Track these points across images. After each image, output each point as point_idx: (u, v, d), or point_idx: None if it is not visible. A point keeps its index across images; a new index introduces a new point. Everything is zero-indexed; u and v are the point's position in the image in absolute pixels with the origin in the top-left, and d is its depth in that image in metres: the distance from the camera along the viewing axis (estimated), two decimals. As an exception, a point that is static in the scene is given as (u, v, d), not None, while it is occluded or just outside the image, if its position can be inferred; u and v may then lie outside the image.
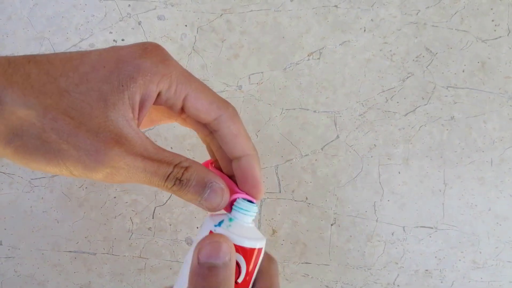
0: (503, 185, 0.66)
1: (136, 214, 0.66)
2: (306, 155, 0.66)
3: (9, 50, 0.66)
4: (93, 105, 0.22)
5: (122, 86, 0.23)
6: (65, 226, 0.66)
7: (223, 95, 0.68)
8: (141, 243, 0.66)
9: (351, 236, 0.66)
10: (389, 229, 0.67)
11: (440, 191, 0.66)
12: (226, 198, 0.27)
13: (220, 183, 0.26)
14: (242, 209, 0.27)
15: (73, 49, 0.67)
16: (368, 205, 0.66)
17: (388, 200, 0.66)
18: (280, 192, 0.66)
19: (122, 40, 0.66)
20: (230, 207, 0.28)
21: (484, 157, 0.66)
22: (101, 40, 0.66)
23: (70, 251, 0.66)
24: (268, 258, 0.29)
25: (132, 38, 0.66)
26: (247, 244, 0.26)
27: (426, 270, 0.67)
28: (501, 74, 0.66)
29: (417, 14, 0.66)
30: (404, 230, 0.67)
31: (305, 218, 0.66)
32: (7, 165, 0.68)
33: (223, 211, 0.29)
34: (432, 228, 0.67)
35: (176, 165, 0.25)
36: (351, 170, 0.66)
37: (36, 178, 0.67)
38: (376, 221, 0.67)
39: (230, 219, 0.27)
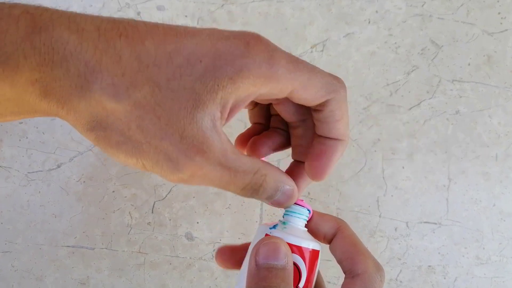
0: (508, 180, 0.66)
1: (135, 208, 0.65)
2: (309, 149, 0.65)
3: (4, 40, 0.65)
4: (181, 105, 0.21)
5: (218, 86, 0.21)
6: (63, 220, 0.65)
7: (224, 88, 0.67)
8: (140, 238, 0.65)
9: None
10: (392, 224, 0.66)
11: (444, 186, 0.66)
12: (295, 197, 0.27)
13: (291, 185, 0.26)
14: (295, 212, 0.27)
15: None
16: (371, 200, 0.65)
17: (392, 195, 0.66)
18: (282, 186, 0.65)
19: (121, 30, 0.65)
20: None
21: (489, 152, 0.65)
22: (99, 31, 0.65)
23: (68, 246, 0.65)
24: None
25: (131, 29, 0.65)
26: (305, 244, 0.26)
27: (429, 266, 0.66)
28: (507, 68, 0.65)
29: (422, 6, 0.64)
30: (407, 226, 0.66)
31: (307, 213, 0.65)
32: (3, 159, 0.67)
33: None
34: (435, 223, 0.66)
35: (254, 174, 0.24)
36: (354, 164, 0.65)
37: (33, 172, 0.65)
38: (379, 216, 0.66)
39: (284, 223, 0.27)
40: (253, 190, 0.24)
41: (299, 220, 0.28)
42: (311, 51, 0.65)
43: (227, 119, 0.24)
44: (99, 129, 0.21)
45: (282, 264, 0.24)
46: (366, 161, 0.65)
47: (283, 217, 0.28)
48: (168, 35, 0.21)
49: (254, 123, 0.32)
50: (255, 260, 0.25)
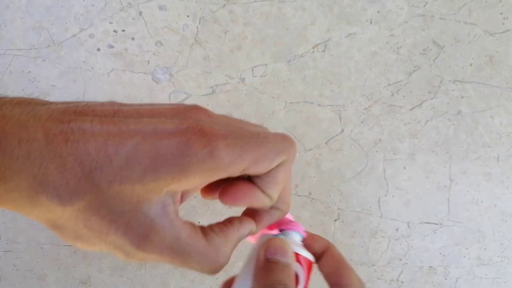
0: (510, 181, 0.65)
1: (136, 208, 0.65)
2: (310, 149, 0.65)
3: (6, 40, 0.65)
4: (125, 203, 0.22)
5: (159, 186, 0.22)
6: (65, 220, 0.65)
7: (226, 88, 0.67)
8: (141, 238, 0.65)
9: (355, 232, 0.66)
10: (394, 225, 0.66)
11: (446, 186, 0.65)
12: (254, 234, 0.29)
13: (247, 230, 0.28)
14: (290, 230, 0.28)
15: (72, 40, 0.65)
16: (372, 200, 0.65)
17: (393, 196, 0.65)
18: (283, 186, 0.65)
19: (123, 30, 0.65)
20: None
21: (491, 153, 0.65)
22: (101, 31, 0.65)
23: (69, 245, 0.65)
24: None
25: (133, 29, 0.65)
26: (304, 253, 0.27)
27: (431, 267, 0.66)
28: (509, 68, 0.65)
29: (424, 6, 0.64)
30: (408, 226, 0.66)
31: (309, 213, 0.65)
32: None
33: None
34: (437, 224, 0.66)
35: (216, 259, 0.25)
36: (356, 164, 0.65)
37: (35, 171, 0.65)
38: (381, 216, 0.66)
39: (284, 234, 0.29)
40: (217, 268, 0.26)
41: (297, 235, 0.29)
42: (313, 51, 0.65)
43: (181, 202, 0.24)
44: (56, 228, 0.23)
45: (289, 262, 0.26)
46: (368, 161, 0.65)
47: (280, 231, 0.29)
48: (110, 136, 0.22)
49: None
50: (265, 254, 0.26)
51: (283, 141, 0.26)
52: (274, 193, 0.27)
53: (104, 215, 0.22)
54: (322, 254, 0.30)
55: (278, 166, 0.26)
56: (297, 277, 0.26)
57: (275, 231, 0.30)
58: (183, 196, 0.25)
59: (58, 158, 0.21)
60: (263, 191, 0.26)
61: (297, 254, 0.27)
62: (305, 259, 0.27)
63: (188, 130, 0.23)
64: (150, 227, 0.23)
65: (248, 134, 0.25)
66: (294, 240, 0.29)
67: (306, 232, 0.31)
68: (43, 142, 0.21)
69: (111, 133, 0.22)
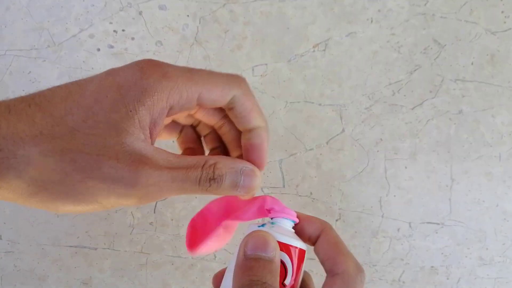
0: (511, 180, 0.65)
1: (137, 208, 0.65)
2: (311, 149, 0.65)
3: (7, 40, 0.65)
4: (106, 136, 0.22)
5: (131, 111, 0.23)
6: (66, 220, 0.65)
7: (226, 88, 0.67)
8: (142, 238, 0.65)
9: (356, 232, 0.65)
10: (395, 225, 0.65)
11: (447, 186, 0.65)
12: (259, 176, 0.27)
13: (249, 165, 0.27)
14: (280, 217, 0.28)
15: (73, 40, 0.65)
16: (373, 200, 0.65)
17: (394, 196, 0.65)
18: (284, 187, 0.65)
19: (123, 30, 0.65)
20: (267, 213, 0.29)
21: (492, 152, 0.65)
22: (101, 31, 0.65)
23: (70, 246, 0.65)
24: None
25: (133, 29, 0.65)
26: (292, 243, 0.26)
27: (432, 267, 0.66)
28: (510, 67, 0.65)
29: (425, 4, 0.64)
30: (410, 226, 0.65)
31: (309, 213, 0.65)
32: (6, 158, 0.67)
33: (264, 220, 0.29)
34: (438, 224, 0.66)
35: (203, 166, 0.25)
36: (357, 164, 0.65)
37: (35, 172, 0.65)
38: (382, 216, 0.65)
39: (272, 223, 0.28)
40: (210, 181, 0.25)
41: (287, 222, 0.28)
42: (313, 51, 0.65)
43: (152, 137, 0.25)
44: (40, 190, 0.22)
45: (270, 257, 0.25)
46: (369, 161, 0.65)
47: (271, 219, 0.29)
48: (70, 88, 0.23)
49: (185, 149, 0.33)
50: (244, 251, 0.25)
51: (232, 76, 0.28)
52: (256, 120, 0.28)
53: (90, 151, 0.22)
54: (318, 237, 0.29)
55: (241, 98, 0.27)
56: (286, 269, 0.25)
57: (264, 221, 0.29)
58: (152, 133, 0.25)
59: (25, 116, 0.22)
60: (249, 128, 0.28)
61: (285, 245, 0.26)
62: (295, 248, 0.25)
63: (140, 62, 0.25)
64: (140, 154, 0.23)
65: (199, 69, 0.27)
66: (284, 228, 0.28)
67: (301, 214, 0.30)
68: (6, 110, 0.22)
69: (70, 87, 0.23)
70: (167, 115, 0.25)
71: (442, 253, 0.66)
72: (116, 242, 0.65)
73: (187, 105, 0.26)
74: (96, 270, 0.65)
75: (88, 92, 0.23)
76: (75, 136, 0.22)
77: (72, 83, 0.24)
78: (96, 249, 0.65)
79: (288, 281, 0.25)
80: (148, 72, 0.24)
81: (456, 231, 0.65)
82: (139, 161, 0.23)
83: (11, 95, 0.66)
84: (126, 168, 0.22)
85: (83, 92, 0.23)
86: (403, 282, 0.66)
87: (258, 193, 0.31)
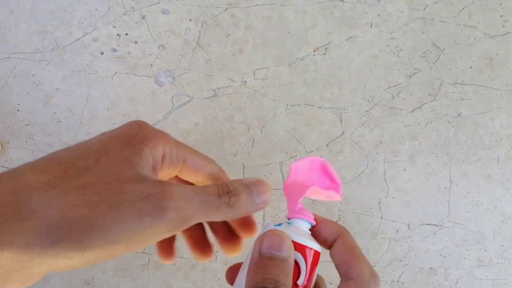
0: (510, 182, 0.66)
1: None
2: (311, 152, 0.66)
3: (12, 43, 0.66)
4: (121, 168, 0.23)
5: (138, 149, 0.24)
6: (69, 221, 0.66)
7: (228, 91, 0.68)
8: (144, 239, 0.66)
9: (355, 233, 0.66)
10: (394, 226, 0.66)
11: (446, 188, 0.66)
12: (266, 181, 0.28)
13: (252, 178, 0.28)
14: (297, 218, 0.28)
15: (76, 44, 0.66)
16: (373, 202, 0.66)
17: (393, 197, 0.66)
18: (284, 188, 0.65)
19: (126, 34, 0.66)
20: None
21: (491, 155, 0.66)
22: (104, 35, 0.66)
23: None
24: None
25: (136, 33, 0.66)
26: (307, 244, 0.26)
27: (431, 268, 0.67)
28: (509, 71, 0.65)
29: (424, 9, 0.65)
30: (409, 228, 0.66)
31: (310, 215, 0.66)
32: (10, 160, 0.68)
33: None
34: (437, 225, 0.66)
35: (215, 184, 0.26)
36: (356, 166, 0.66)
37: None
38: (381, 218, 0.66)
39: (289, 223, 0.28)
40: (229, 194, 0.26)
41: (304, 223, 0.28)
42: (314, 54, 0.65)
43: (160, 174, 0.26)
44: (63, 232, 0.20)
45: (284, 256, 0.25)
46: (368, 163, 0.66)
47: (288, 219, 0.29)
48: (71, 146, 0.24)
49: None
50: (259, 249, 0.26)
51: (209, 158, 0.30)
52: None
53: (110, 181, 0.22)
54: (334, 241, 0.29)
55: (217, 174, 0.29)
56: (299, 269, 0.26)
57: (279, 221, 0.29)
58: (156, 171, 0.26)
59: (30, 169, 0.21)
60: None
61: (300, 245, 0.26)
62: (310, 249, 0.26)
63: (134, 121, 0.26)
64: (159, 180, 0.24)
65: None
66: (301, 229, 0.28)
67: (318, 217, 0.30)
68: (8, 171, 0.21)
69: (71, 145, 0.24)
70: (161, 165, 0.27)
71: (441, 255, 0.66)
72: (119, 243, 0.65)
73: (175, 161, 0.27)
74: (98, 270, 0.66)
75: (92, 142, 0.24)
76: (91, 172, 0.22)
77: (78, 145, 0.24)
78: (99, 249, 0.66)
79: (301, 281, 0.25)
80: (144, 126, 0.26)
81: (455, 232, 0.66)
82: (161, 180, 0.24)
83: (15, 98, 0.67)
84: (152, 186, 0.23)
85: (88, 143, 0.24)
86: (402, 283, 0.66)
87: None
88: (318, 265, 0.26)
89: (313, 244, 0.26)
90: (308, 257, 0.26)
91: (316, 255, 0.26)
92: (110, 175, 0.22)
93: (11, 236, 0.18)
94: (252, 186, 0.27)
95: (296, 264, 0.25)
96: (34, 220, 0.19)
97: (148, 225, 0.21)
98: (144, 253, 0.66)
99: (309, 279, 0.25)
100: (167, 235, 0.23)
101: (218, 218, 0.25)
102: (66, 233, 0.20)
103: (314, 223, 0.29)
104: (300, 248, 0.26)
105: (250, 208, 0.27)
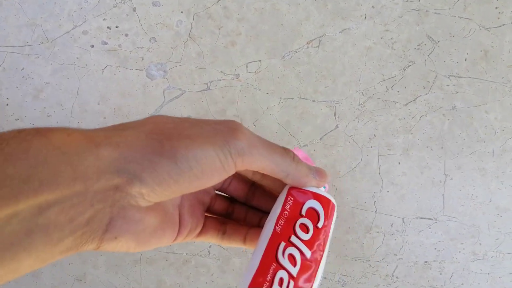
0: (505, 176, 0.65)
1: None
2: (305, 145, 0.65)
3: (0, 37, 0.65)
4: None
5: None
6: (60, 217, 0.65)
7: (220, 84, 0.67)
8: (137, 234, 0.65)
9: (349, 228, 0.66)
10: (389, 220, 0.66)
11: (441, 182, 0.65)
12: (327, 174, 0.30)
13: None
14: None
15: (66, 37, 0.65)
16: (367, 196, 0.65)
17: (388, 191, 0.65)
18: (278, 183, 0.65)
19: (116, 27, 0.65)
20: None
21: (486, 148, 0.65)
22: (94, 27, 0.65)
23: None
24: None
25: (127, 25, 0.65)
26: (325, 194, 0.28)
27: (426, 262, 0.66)
28: (504, 63, 0.65)
29: (419, 0, 0.64)
30: (403, 222, 0.66)
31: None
32: None
33: None
34: (432, 219, 0.66)
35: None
36: (350, 160, 0.65)
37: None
38: (375, 212, 0.66)
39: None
40: (292, 154, 0.26)
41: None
42: (307, 47, 0.65)
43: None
44: (160, 135, 0.22)
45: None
46: (362, 157, 0.65)
47: None
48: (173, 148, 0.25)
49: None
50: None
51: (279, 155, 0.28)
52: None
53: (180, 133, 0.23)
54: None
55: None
56: (318, 215, 0.28)
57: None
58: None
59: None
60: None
61: (319, 195, 0.28)
62: (328, 200, 0.28)
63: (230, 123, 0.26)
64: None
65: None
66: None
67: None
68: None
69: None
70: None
71: (435, 248, 0.66)
72: (110, 239, 0.65)
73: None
74: (90, 266, 0.65)
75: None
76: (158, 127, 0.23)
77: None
78: (90, 245, 0.65)
79: (320, 224, 0.28)
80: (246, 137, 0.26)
81: (450, 226, 0.66)
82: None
83: (5, 92, 0.65)
84: (222, 126, 0.23)
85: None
86: (397, 277, 0.66)
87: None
88: (334, 215, 0.29)
89: (327, 195, 0.29)
90: (324, 205, 0.28)
91: (330, 204, 0.29)
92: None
93: (119, 137, 0.21)
94: (312, 166, 0.28)
95: (316, 211, 0.28)
96: (135, 129, 0.22)
97: (220, 146, 0.22)
98: (137, 248, 0.66)
99: (327, 223, 0.28)
100: (232, 168, 0.23)
101: (279, 168, 0.26)
102: (163, 137, 0.22)
103: (327, 187, 0.32)
104: (317, 196, 0.28)
105: (308, 177, 0.28)
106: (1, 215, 0.17)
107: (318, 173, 0.29)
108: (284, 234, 0.26)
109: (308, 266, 0.26)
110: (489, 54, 0.65)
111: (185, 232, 0.28)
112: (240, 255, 0.68)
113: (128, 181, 0.20)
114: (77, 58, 0.66)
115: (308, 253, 0.26)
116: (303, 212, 0.27)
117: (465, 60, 0.65)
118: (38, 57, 0.65)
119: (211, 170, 0.22)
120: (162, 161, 0.21)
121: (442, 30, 0.64)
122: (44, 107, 0.67)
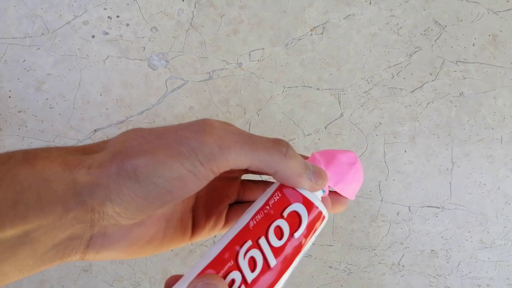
0: (513, 163, 0.64)
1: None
2: (309, 134, 0.64)
3: (1, 28, 0.64)
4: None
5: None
6: (65, 208, 0.65)
7: (223, 73, 0.66)
8: (141, 225, 0.65)
9: (355, 217, 0.65)
10: (394, 209, 0.65)
11: (448, 169, 0.64)
12: (326, 175, 0.27)
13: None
14: None
15: (67, 27, 0.64)
16: (373, 184, 0.65)
17: (394, 180, 0.65)
18: (282, 172, 0.64)
19: (117, 17, 0.64)
20: None
21: (494, 135, 0.64)
22: (95, 17, 0.64)
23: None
24: None
25: (128, 15, 0.64)
26: (316, 202, 0.25)
27: (432, 250, 0.66)
28: (513, 48, 0.63)
29: (425, -16, 0.62)
30: (409, 210, 0.65)
31: (308, 198, 0.65)
32: (3, 147, 0.67)
33: None
34: (438, 207, 0.65)
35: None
36: (356, 149, 0.64)
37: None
38: (381, 201, 0.65)
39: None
40: (288, 146, 0.25)
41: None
42: (311, 34, 0.63)
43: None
44: (123, 154, 0.22)
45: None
46: (368, 145, 0.64)
47: None
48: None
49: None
50: None
51: (271, 148, 0.27)
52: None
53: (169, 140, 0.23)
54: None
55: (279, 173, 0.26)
56: (300, 221, 0.25)
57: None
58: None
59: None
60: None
61: (309, 201, 0.25)
62: (316, 208, 0.25)
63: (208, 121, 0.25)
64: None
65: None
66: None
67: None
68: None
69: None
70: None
71: (442, 237, 0.65)
72: (115, 230, 0.65)
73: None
74: (96, 257, 0.66)
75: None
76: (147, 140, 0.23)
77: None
78: (95, 236, 0.65)
79: (298, 234, 0.25)
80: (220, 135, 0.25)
81: (457, 214, 0.65)
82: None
83: (7, 85, 0.65)
84: (188, 131, 0.22)
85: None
86: (403, 266, 0.66)
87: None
88: (319, 228, 0.26)
89: (320, 205, 0.25)
90: (311, 214, 0.25)
91: (319, 215, 0.26)
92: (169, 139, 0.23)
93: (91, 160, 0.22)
94: (310, 165, 0.25)
95: (299, 217, 0.25)
96: (105, 149, 0.22)
97: (186, 156, 0.21)
98: (142, 239, 0.66)
99: (306, 235, 0.25)
100: (208, 174, 0.22)
101: (265, 165, 0.23)
102: (125, 155, 0.22)
103: (327, 192, 0.28)
104: (306, 201, 0.25)
105: (301, 177, 0.25)
106: None
107: (315, 174, 0.25)
108: (254, 233, 0.24)
109: (268, 276, 0.23)
110: (498, 39, 0.63)
111: (203, 230, 0.27)
112: (245, 245, 0.68)
113: (101, 202, 0.21)
114: (78, 49, 0.65)
115: (272, 262, 0.23)
116: (285, 214, 0.25)
117: (473, 45, 0.63)
118: (39, 48, 0.65)
119: (180, 182, 0.22)
120: (126, 182, 0.21)
121: (449, 15, 0.63)
122: (47, 99, 0.66)
